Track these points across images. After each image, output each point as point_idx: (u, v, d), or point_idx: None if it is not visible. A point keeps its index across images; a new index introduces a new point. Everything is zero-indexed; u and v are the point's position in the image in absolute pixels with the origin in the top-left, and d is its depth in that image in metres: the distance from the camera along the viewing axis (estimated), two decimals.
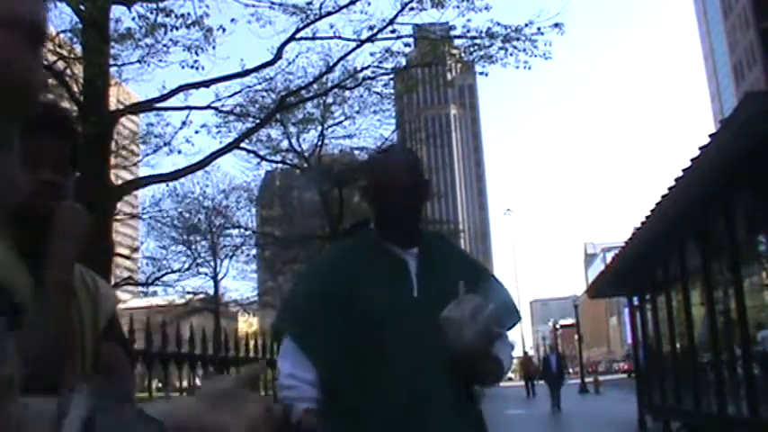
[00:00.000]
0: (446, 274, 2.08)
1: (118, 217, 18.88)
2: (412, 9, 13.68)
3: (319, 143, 22.95)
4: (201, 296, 31.13)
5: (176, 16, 11.43)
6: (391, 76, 17.17)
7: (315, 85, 15.97)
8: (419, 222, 2.22)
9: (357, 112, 21.68)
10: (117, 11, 11.66)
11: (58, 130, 1.53)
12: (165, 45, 12.11)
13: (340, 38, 14.15)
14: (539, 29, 13.53)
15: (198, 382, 4.03)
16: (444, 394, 1.99)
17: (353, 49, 14.40)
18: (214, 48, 12.16)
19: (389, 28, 13.86)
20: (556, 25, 13.56)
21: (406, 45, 14.97)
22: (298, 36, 13.71)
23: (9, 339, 0.70)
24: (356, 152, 24.16)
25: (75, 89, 11.44)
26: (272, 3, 13.31)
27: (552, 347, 21.16)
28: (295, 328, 2.09)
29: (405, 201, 2.12)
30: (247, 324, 41.85)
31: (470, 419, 2.08)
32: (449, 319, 1.94)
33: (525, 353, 39.44)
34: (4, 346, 0.69)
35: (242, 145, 15.81)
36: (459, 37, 14.66)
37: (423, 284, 2.08)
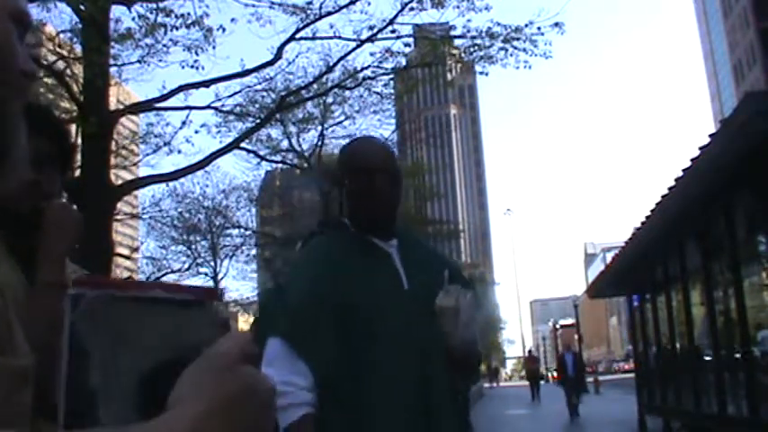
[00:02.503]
0: (426, 264, 2.09)
1: (118, 217, 18.88)
2: (412, 9, 13.70)
3: (319, 143, 23.01)
4: None
5: (176, 16, 11.43)
6: (391, 76, 17.18)
7: (315, 85, 15.98)
8: (396, 212, 2.16)
9: (357, 112, 21.75)
10: (117, 11, 11.67)
11: (43, 130, 1.53)
12: (165, 45, 12.12)
13: (340, 38, 14.17)
14: (539, 29, 13.54)
15: None
16: (444, 383, 1.99)
17: (353, 49, 14.41)
18: (214, 48, 12.17)
19: (389, 28, 13.87)
20: (556, 25, 13.57)
21: (406, 45, 14.98)
22: (298, 36, 13.72)
23: (20, 335, 0.71)
24: None
25: (75, 89, 11.45)
26: (272, 3, 13.33)
27: (569, 345, 18.81)
28: (286, 328, 1.95)
29: (389, 186, 2.05)
30: (247, 324, 41.86)
31: (464, 408, 2.13)
32: (443, 308, 1.95)
33: (530, 351, 39.22)
34: (20, 339, 0.70)
35: (242, 145, 15.81)
36: (459, 37, 14.67)
37: (410, 276, 2.05)
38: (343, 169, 2.11)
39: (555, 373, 56.96)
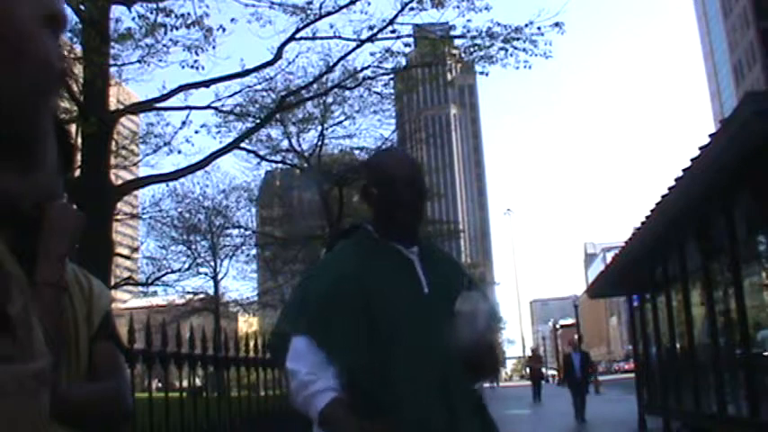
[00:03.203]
0: (445, 271, 2.19)
1: (118, 217, 18.89)
2: (412, 9, 13.70)
3: (319, 143, 22.99)
4: (201, 296, 31.15)
5: (176, 16, 11.45)
6: (391, 76, 17.19)
7: (315, 85, 16.00)
8: (420, 222, 2.26)
9: (357, 112, 21.74)
10: (117, 11, 11.68)
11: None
12: (165, 45, 12.13)
13: (340, 38, 14.17)
14: (539, 28, 13.55)
15: (198, 382, 4.03)
16: (464, 384, 2.09)
17: (353, 49, 14.42)
18: (214, 48, 12.18)
19: (389, 28, 13.88)
20: (556, 24, 13.58)
21: (406, 45, 14.98)
22: (298, 36, 13.72)
23: (39, 335, 0.71)
24: (356, 152, 24.18)
25: (75, 89, 11.44)
26: (272, 3, 13.33)
27: (576, 344, 17.59)
28: (311, 326, 2.04)
29: (416, 198, 2.16)
30: (247, 324, 41.84)
31: (484, 409, 2.19)
32: (462, 312, 2.03)
33: (533, 350, 38.84)
34: (39, 341, 0.70)
35: (242, 145, 15.83)
36: (459, 37, 14.68)
37: (430, 282, 2.14)
38: (372, 180, 2.20)
39: (555, 373, 56.85)
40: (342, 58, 15.05)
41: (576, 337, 20.83)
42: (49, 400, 0.71)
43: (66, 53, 12.04)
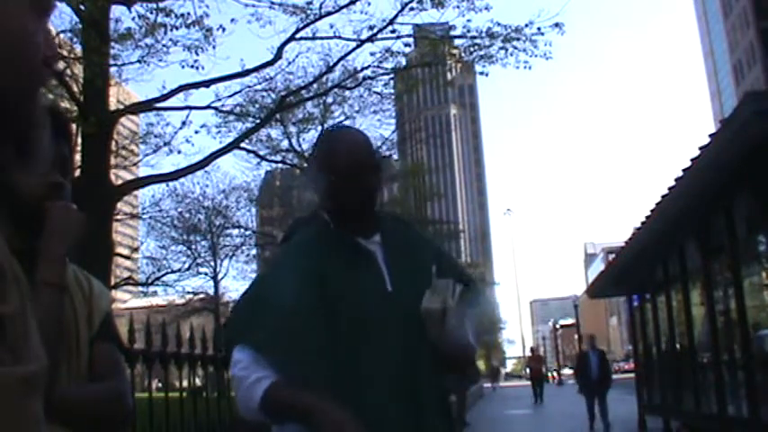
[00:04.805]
0: (412, 259, 1.96)
1: (118, 217, 18.90)
2: (412, 9, 13.71)
3: None
4: (201, 296, 31.15)
5: (176, 16, 11.45)
6: (391, 76, 17.18)
7: (315, 85, 16.00)
8: (376, 206, 2.02)
9: (357, 112, 21.74)
10: (117, 11, 11.69)
11: (61, 132, 1.54)
12: (165, 45, 12.13)
13: (340, 38, 14.18)
14: (539, 29, 13.56)
15: (198, 382, 4.03)
16: (432, 386, 1.89)
17: (353, 49, 14.42)
18: (214, 48, 12.18)
19: (389, 28, 13.88)
20: (556, 25, 13.60)
21: (406, 45, 14.99)
22: (298, 36, 13.74)
23: (35, 337, 0.70)
24: None
25: (75, 89, 11.45)
26: (272, 3, 13.34)
27: (591, 343, 15.57)
28: (258, 334, 1.79)
29: (369, 182, 1.91)
30: None
31: (448, 414, 2.02)
32: (429, 310, 1.85)
33: (533, 350, 38.52)
34: (35, 344, 0.69)
35: (242, 145, 15.83)
36: (459, 37, 14.68)
37: (394, 276, 1.91)
38: (320, 166, 1.94)
39: (554, 374, 56.83)
40: (342, 58, 15.07)
41: (576, 336, 20.74)
42: (41, 405, 0.69)
43: (65, 53, 12.09)
